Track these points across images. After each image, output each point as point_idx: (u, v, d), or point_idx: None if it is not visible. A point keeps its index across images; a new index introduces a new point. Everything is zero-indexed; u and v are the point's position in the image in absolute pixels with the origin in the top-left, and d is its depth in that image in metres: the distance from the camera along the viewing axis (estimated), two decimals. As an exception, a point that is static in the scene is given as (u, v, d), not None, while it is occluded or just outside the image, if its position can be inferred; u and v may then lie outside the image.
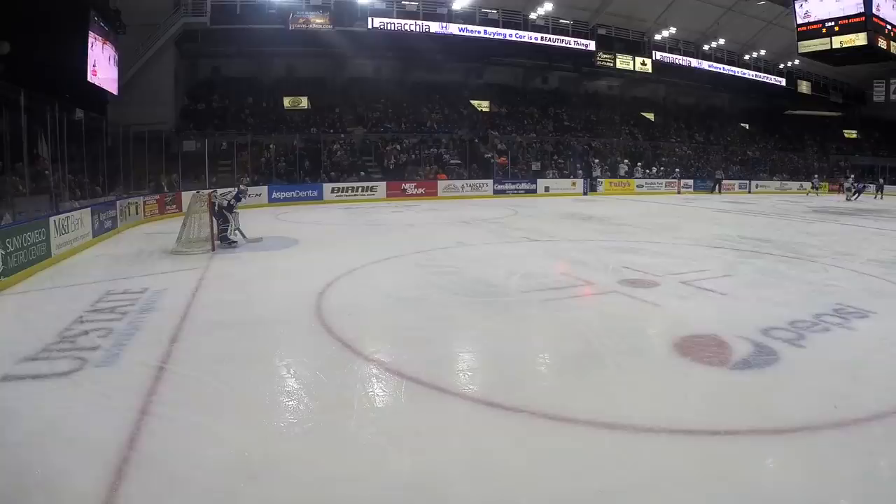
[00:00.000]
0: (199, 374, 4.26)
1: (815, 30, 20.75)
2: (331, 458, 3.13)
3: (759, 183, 30.63)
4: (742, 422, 3.53)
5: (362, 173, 22.86)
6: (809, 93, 36.06)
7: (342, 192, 21.22)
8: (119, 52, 18.17)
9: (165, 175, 17.36)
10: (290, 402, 3.86)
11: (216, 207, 9.91)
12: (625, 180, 27.27)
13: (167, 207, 15.63)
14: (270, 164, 21.47)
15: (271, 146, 21.88)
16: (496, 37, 26.40)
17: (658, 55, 30.57)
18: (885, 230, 13.99)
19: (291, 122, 24.18)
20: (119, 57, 18.23)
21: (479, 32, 25.99)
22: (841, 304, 6.17)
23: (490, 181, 24.10)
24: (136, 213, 13.95)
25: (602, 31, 29.38)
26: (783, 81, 34.61)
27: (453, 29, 25.43)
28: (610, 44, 29.57)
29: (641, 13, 29.02)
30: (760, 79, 33.84)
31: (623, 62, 29.74)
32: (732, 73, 32.82)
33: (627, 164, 28.04)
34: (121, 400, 3.73)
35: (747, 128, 36.05)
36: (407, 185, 22.46)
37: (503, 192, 23.92)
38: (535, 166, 26.08)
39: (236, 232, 10.30)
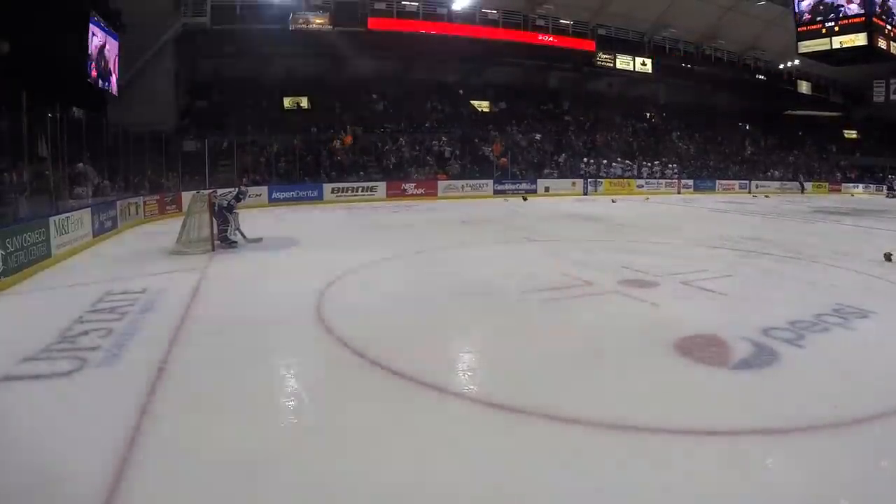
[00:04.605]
0: (199, 374, 4.26)
1: (815, 30, 20.72)
2: (330, 458, 3.12)
3: (759, 183, 30.66)
4: (742, 422, 3.53)
5: (362, 173, 22.85)
6: (809, 93, 36.05)
7: (342, 192, 21.21)
8: (119, 52, 18.16)
9: (165, 175, 17.35)
10: (290, 402, 3.85)
11: (216, 207, 9.90)
12: (625, 180, 27.27)
13: (167, 207, 15.63)
14: (270, 164, 21.46)
15: (273, 146, 21.86)
16: (496, 37, 26.40)
17: (658, 55, 30.55)
18: (886, 230, 13.99)
19: (291, 122, 24.17)
20: (119, 57, 18.22)
21: (479, 33, 25.97)
22: (841, 304, 6.16)
23: (490, 181, 24.10)
24: (136, 213, 13.96)
25: (602, 32, 29.37)
26: (783, 81, 34.59)
27: (453, 29, 25.42)
28: (610, 44, 29.56)
29: (641, 13, 28.99)
30: (760, 79, 33.83)
31: (623, 62, 29.73)
32: (732, 74, 32.81)
33: (622, 163, 28.00)
34: (121, 400, 3.73)
35: (747, 128, 36.02)
36: (407, 185, 22.47)
37: (503, 192, 23.92)
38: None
39: (236, 232, 10.30)
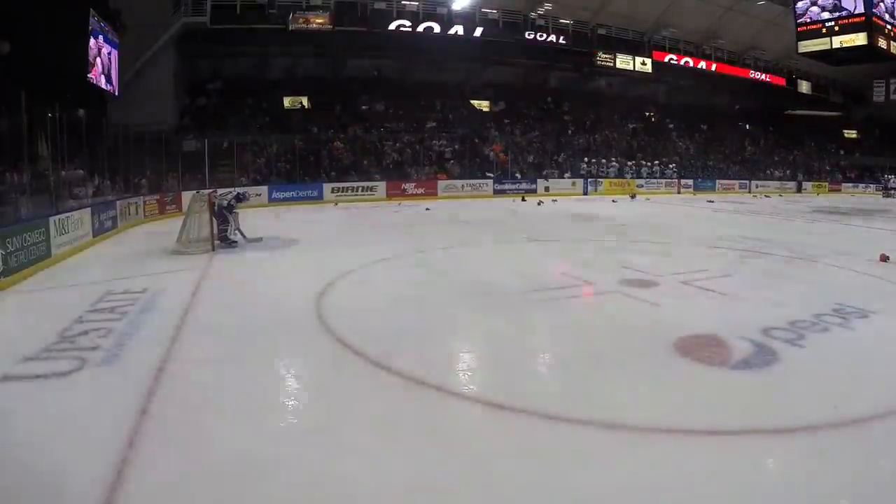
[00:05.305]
0: (199, 374, 4.26)
1: (815, 30, 20.72)
2: (330, 458, 3.13)
3: (759, 183, 30.68)
4: (742, 422, 3.53)
5: (366, 163, 22.84)
6: (809, 93, 36.03)
7: (342, 191, 21.21)
8: (119, 52, 18.17)
9: (165, 175, 17.34)
10: (290, 403, 3.85)
11: (216, 207, 9.90)
12: (625, 180, 27.27)
13: (167, 207, 15.63)
14: (270, 164, 21.47)
15: (273, 146, 21.85)
16: (496, 37, 26.39)
17: (658, 55, 30.56)
18: (886, 230, 13.99)
19: (291, 122, 24.18)
20: (119, 57, 18.23)
21: (479, 33, 25.96)
22: (841, 304, 6.16)
23: (490, 181, 24.09)
24: (136, 213, 13.96)
25: (602, 31, 29.36)
26: (783, 81, 34.60)
27: (453, 29, 25.41)
28: (610, 44, 29.56)
29: (641, 13, 28.98)
30: (760, 79, 33.84)
31: (623, 62, 29.71)
32: (732, 74, 32.82)
33: (617, 163, 28.02)
34: (121, 400, 3.73)
35: (747, 128, 36.03)
36: (407, 185, 22.47)
37: (503, 191, 23.92)
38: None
39: (236, 232, 10.30)
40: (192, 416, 3.58)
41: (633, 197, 23.93)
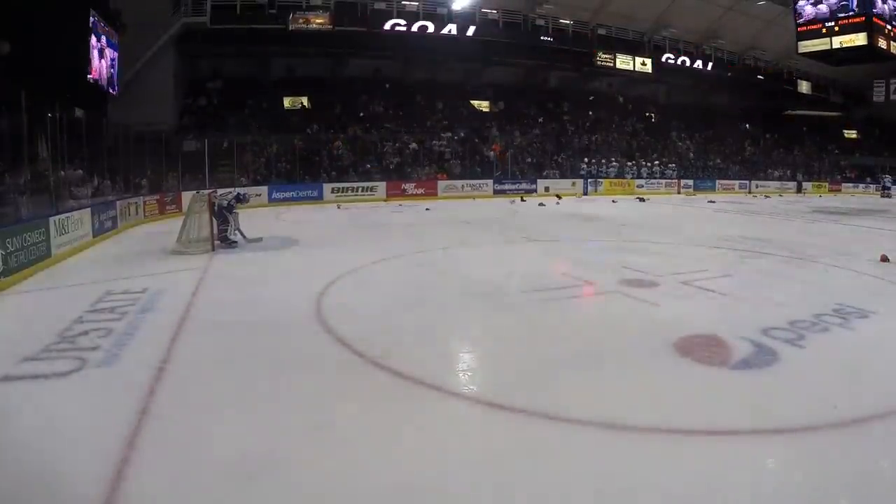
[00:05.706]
0: (199, 374, 4.26)
1: (815, 30, 20.76)
2: (330, 458, 3.12)
3: (759, 183, 30.68)
4: (742, 422, 3.52)
5: (368, 166, 22.83)
6: (809, 93, 36.03)
7: (342, 192, 21.21)
8: (119, 52, 18.18)
9: (165, 175, 17.34)
10: (290, 403, 3.84)
11: (216, 207, 9.90)
12: (625, 180, 27.29)
13: (167, 207, 15.63)
14: (270, 164, 21.47)
15: (273, 146, 21.85)
16: (496, 37, 26.39)
17: (658, 55, 30.57)
18: (886, 230, 13.99)
19: (291, 122, 24.18)
20: (119, 57, 18.24)
21: (479, 33, 25.97)
22: (841, 304, 6.16)
23: (490, 181, 24.11)
24: (136, 213, 13.95)
25: (602, 31, 29.36)
26: (783, 81, 34.61)
27: (453, 29, 25.42)
28: (610, 44, 29.56)
29: (641, 13, 28.99)
30: (760, 79, 33.84)
31: (623, 62, 29.71)
32: (732, 74, 32.81)
33: (617, 163, 28.00)
34: (121, 400, 3.73)
35: (747, 128, 36.03)
36: (407, 185, 22.48)
37: (503, 191, 23.92)
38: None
39: (236, 232, 10.30)
40: (192, 416, 3.58)
41: (641, 200, 23.83)
